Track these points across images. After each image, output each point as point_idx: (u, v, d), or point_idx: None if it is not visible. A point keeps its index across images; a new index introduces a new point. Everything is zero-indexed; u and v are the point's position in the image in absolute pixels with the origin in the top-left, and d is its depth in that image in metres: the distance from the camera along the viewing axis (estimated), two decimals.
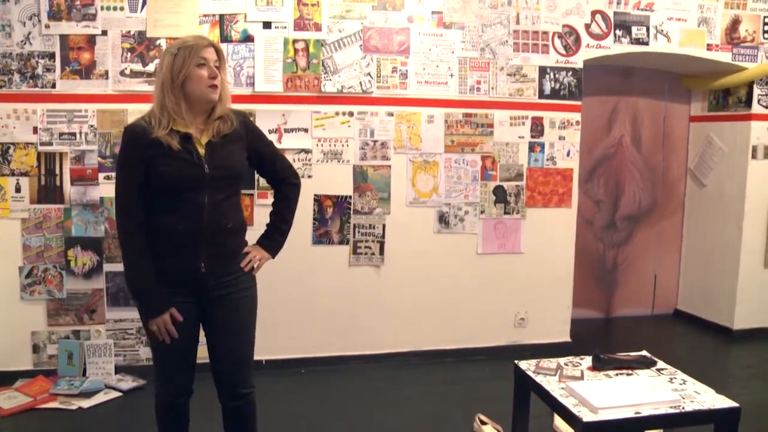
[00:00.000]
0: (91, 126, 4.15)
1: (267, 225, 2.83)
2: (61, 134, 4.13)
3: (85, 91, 4.14)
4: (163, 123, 2.42)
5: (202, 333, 2.67)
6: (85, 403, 3.88)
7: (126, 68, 4.16)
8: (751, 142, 5.23)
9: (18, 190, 4.14)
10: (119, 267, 4.25)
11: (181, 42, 2.49)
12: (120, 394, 4.05)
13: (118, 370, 4.27)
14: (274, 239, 2.79)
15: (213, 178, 2.46)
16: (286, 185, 2.82)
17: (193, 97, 2.46)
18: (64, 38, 4.09)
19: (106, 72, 4.14)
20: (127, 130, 2.48)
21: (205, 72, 2.45)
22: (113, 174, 4.09)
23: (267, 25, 4.31)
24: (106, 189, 4.19)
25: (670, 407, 2.49)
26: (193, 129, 2.49)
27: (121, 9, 4.13)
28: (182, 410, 2.70)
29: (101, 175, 4.19)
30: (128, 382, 4.15)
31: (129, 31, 4.15)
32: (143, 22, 4.16)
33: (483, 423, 3.58)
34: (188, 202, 2.45)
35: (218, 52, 2.52)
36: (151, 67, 4.16)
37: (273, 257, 2.78)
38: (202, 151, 2.48)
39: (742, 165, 5.30)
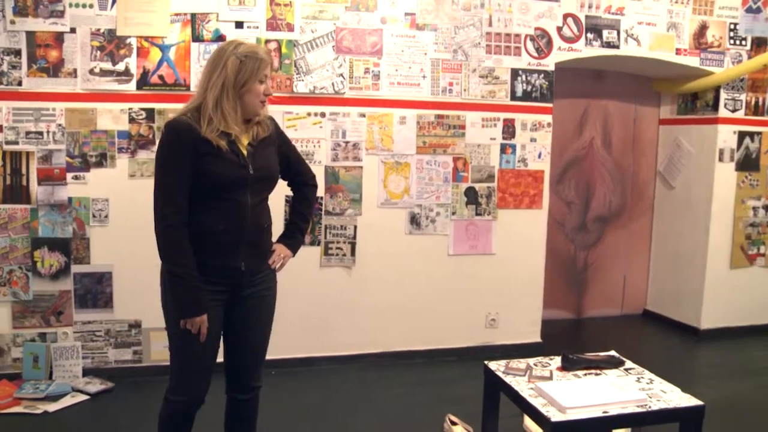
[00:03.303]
0: (59, 125, 4.09)
1: (287, 224, 2.92)
2: (27, 133, 4.07)
3: (52, 89, 4.07)
4: (214, 122, 2.42)
5: None
6: (51, 407, 3.81)
7: (95, 67, 4.10)
8: (718, 146, 5.32)
9: None
10: (87, 268, 4.20)
11: (250, 50, 2.49)
12: (87, 397, 3.99)
13: (86, 372, 4.21)
14: (296, 238, 2.87)
15: (255, 180, 2.52)
16: (306, 187, 2.90)
17: (245, 107, 2.51)
18: (30, 35, 4.01)
19: (75, 70, 4.08)
20: (173, 125, 2.43)
21: (263, 88, 2.51)
22: (82, 174, 4.12)
23: (239, 24, 4.28)
24: (74, 189, 4.14)
25: (637, 406, 2.53)
26: (237, 131, 2.51)
27: (91, 6, 4.07)
28: (191, 421, 2.65)
29: (69, 175, 4.13)
30: (96, 385, 4.09)
31: (99, 29, 4.09)
32: (113, 20, 4.11)
33: (453, 423, 3.59)
34: (232, 202, 2.48)
35: (272, 65, 2.60)
36: (121, 66, 4.12)
37: (294, 255, 2.84)
38: (245, 152, 2.52)
39: (709, 168, 5.39)
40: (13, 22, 3.98)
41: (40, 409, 3.79)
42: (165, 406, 2.60)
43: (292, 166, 2.82)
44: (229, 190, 2.46)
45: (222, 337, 2.65)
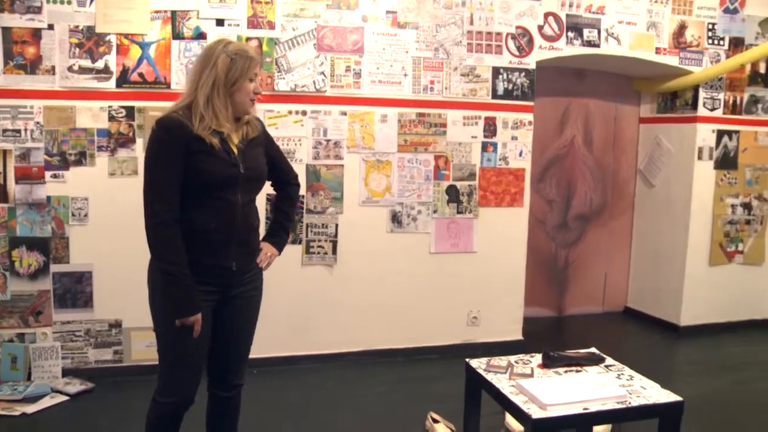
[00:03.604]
0: (38, 123, 4.05)
1: (272, 223, 2.93)
2: (4, 131, 4.02)
3: (30, 86, 4.03)
4: (206, 120, 2.42)
5: None
6: (30, 409, 3.77)
7: (74, 64, 4.06)
8: (697, 144, 5.37)
9: None
10: (66, 268, 4.17)
11: (240, 48, 2.51)
12: (67, 398, 3.95)
13: (66, 373, 4.18)
14: (281, 237, 2.89)
15: (246, 179, 2.52)
16: (290, 186, 2.92)
17: (235, 106, 2.51)
18: (6, 31, 3.96)
19: (53, 67, 4.04)
20: (164, 122, 2.41)
21: (253, 87, 2.53)
22: (61, 172, 4.08)
23: (220, 22, 4.26)
24: (53, 187, 4.10)
25: (617, 403, 2.54)
26: (228, 130, 2.52)
27: (69, 3, 4.03)
28: (179, 421, 2.63)
29: (48, 174, 4.09)
30: (76, 386, 4.06)
31: (77, 26, 4.05)
32: (92, 16, 4.06)
33: (435, 421, 3.60)
34: (223, 201, 2.48)
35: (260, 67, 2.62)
36: (100, 64, 4.08)
37: (280, 254, 2.87)
38: (236, 151, 2.52)
39: (689, 166, 5.43)
40: None
41: (18, 410, 3.73)
42: (153, 407, 2.58)
43: (277, 165, 2.82)
44: (220, 188, 2.46)
45: (212, 337, 2.64)
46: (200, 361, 2.59)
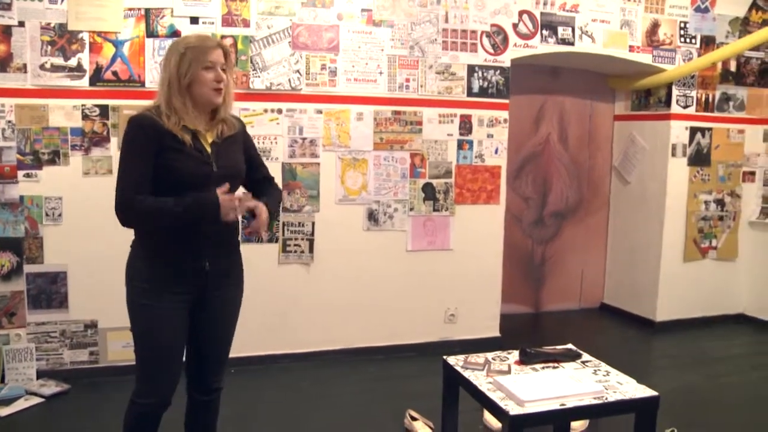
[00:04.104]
0: (9, 122, 4.00)
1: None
2: None
3: (1, 84, 3.97)
4: (172, 119, 2.40)
5: None
6: (4, 411, 3.72)
7: (46, 62, 4.02)
8: (671, 141, 5.43)
9: None
10: (40, 268, 4.12)
11: (189, 41, 2.47)
12: (42, 400, 3.90)
13: (41, 375, 4.13)
14: (273, 195, 2.76)
15: (219, 177, 2.45)
16: (269, 182, 2.84)
17: (197, 98, 2.46)
18: None
19: (25, 65, 3.99)
20: (136, 119, 2.41)
21: (212, 75, 2.44)
22: (34, 171, 4.03)
23: (194, 20, 4.24)
24: (26, 187, 4.05)
25: (594, 398, 2.55)
26: (200, 128, 2.48)
27: (40, 0, 3.98)
28: (157, 423, 2.59)
29: (21, 173, 4.04)
30: (51, 388, 4.01)
31: (49, 23, 4.00)
32: (64, 14, 4.02)
33: (414, 419, 3.61)
34: None
35: (226, 55, 2.52)
36: (73, 62, 4.04)
37: (274, 215, 2.81)
38: (209, 149, 2.49)
39: (663, 163, 5.49)
40: None
41: None
42: (131, 408, 2.55)
43: (254, 167, 2.76)
44: (192, 186, 2.41)
45: (189, 339, 2.62)
46: (177, 362, 2.55)
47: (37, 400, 3.90)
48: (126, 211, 2.40)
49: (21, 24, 3.97)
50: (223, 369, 2.76)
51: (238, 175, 2.62)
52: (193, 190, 2.41)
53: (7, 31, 3.95)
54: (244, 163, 2.66)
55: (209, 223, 2.43)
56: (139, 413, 2.55)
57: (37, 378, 4.11)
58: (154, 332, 2.46)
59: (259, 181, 2.81)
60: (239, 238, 2.73)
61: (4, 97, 3.98)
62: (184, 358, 2.64)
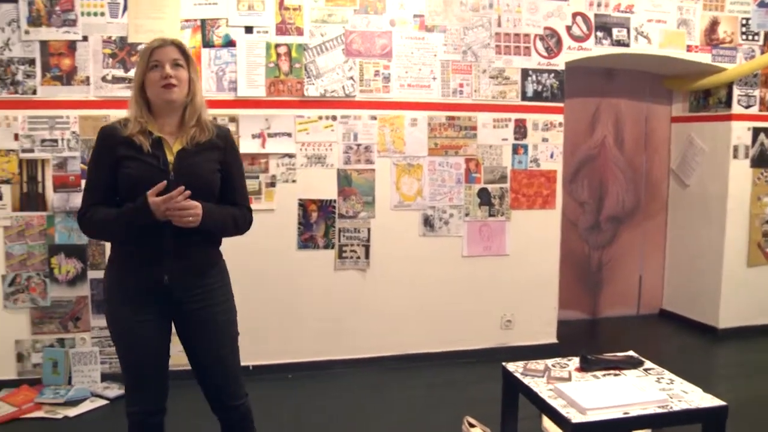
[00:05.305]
0: (74, 132, 4.12)
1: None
2: (42, 141, 4.10)
3: (66, 97, 4.11)
4: (130, 126, 2.39)
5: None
6: (71, 412, 3.84)
7: (108, 74, 4.13)
8: (732, 142, 5.28)
9: (0, 197, 4.09)
10: (103, 274, 4.21)
11: (142, 48, 2.49)
12: (106, 402, 4.01)
13: (104, 377, 4.23)
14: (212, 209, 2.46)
15: (178, 186, 2.28)
16: (240, 207, 2.62)
17: (153, 101, 2.43)
18: (44, 44, 4.05)
19: (88, 78, 4.12)
20: (101, 129, 2.45)
21: (158, 73, 2.38)
22: None
23: (249, 29, 4.30)
24: None
25: (658, 407, 2.50)
26: (165, 134, 2.43)
27: (102, 14, 4.11)
28: (158, 430, 2.58)
29: (84, 182, 4.14)
30: (114, 390, 4.11)
31: (110, 37, 4.12)
32: (124, 27, 4.14)
33: (471, 426, 3.58)
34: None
35: (183, 51, 2.45)
36: (132, 73, 4.14)
37: (203, 217, 2.37)
38: (171, 157, 2.41)
39: (724, 165, 5.34)
40: (27, 32, 4.03)
41: (61, 414, 3.82)
42: (127, 421, 2.56)
43: (229, 185, 2.56)
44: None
45: (188, 357, 2.58)
46: (154, 373, 2.50)
47: (101, 402, 4.01)
48: (81, 222, 2.45)
49: (85, 38, 4.10)
50: (235, 386, 2.62)
51: (205, 185, 2.45)
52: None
53: (72, 46, 4.09)
54: (217, 173, 2.51)
55: (166, 235, 2.36)
56: (130, 421, 2.54)
57: (101, 381, 4.22)
58: (125, 341, 2.45)
59: (225, 203, 2.58)
60: (218, 252, 2.62)
61: (69, 108, 4.11)
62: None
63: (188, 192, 2.29)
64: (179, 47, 2.45)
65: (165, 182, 2.29)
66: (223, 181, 2.53)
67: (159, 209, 2.27)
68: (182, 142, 2.45)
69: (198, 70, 2.55)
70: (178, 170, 2.39)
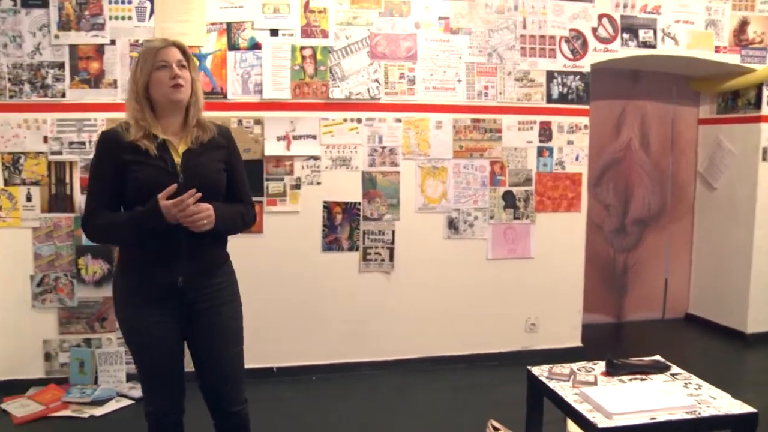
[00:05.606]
0: None
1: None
2: (71, 143, 4.15)
3: (94, 100, 4.15)
4: (134, 130, 2.36)
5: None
6: (97, 411, 3.89)
7: None
8: (762, 144, 5.20)
9: (29, 199, 4.15)
10: None
11: (142, 49, 2.47)
12: (132, 402, 4.05)
13: (130, 378, 4.26)
14: (223, 209, 2.49)
15: (188, 188, 2.30)
16: (245, 204, 2.66)
17: (159, 101, 2.42)
18: (73, 48, 4.11)
19: (115, 81, 4.16)
20: (102, 134, 2.45)
21: (166, 73, 2.38)
22: None
23: (274, 32, 4.33)
24: None
25: (686, 413, 2.47)
26: (169, 135, 2.44)
27: (129, 18, 4.15)
28: (177, 429, 2.60)
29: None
30: (139, 390, 4.08)
31: (137, 40, 4.16)
32: (151, 31, 4.18)
33: (495, 429, 3.56)
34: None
35: (184, 52, 2.46)
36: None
37: (217, 219, 2.41)
38: (178, 159, 2.42)
39: (753, 167, 5.27)
40: (57, 37, 4.09)
41: (87, 413, 3.87)
42: (146, 421, 2.58)
43: (233, 182, 2.59)
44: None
45: (192, 358, 2.57)
46: (168, 373, 2.51)
47: (127, 402, 4.06)
48: (85, 227, 2.44)
49: (112, 42, 4.15)
50: (236, 391, 2.61)
51: (213, 185, 2.47)
52: None
53: (100, 49, 4.14)
54: (223, 172, 2.54)
55: (179, 237, 2.36)
56: (148, 421, 2.56)
57: (127, 381, 4.26)
58: (141, 342, 2.46)
59: (231, 201, 2.61)
60: (226, 252, 2.63)
61: (96, 111, 4.16)
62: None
63: (199, 195, 2.29)
64: (180, 48, 2.46)
65: (176, 185, 2.30)
66: (228, 179, 2.56)
67: (170, 213, 2.27)
68: (187, 143, 2.46)
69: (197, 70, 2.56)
70: (186, 171, 2.40)
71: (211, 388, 2.58)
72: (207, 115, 4.12)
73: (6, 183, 4.14)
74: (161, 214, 2.27)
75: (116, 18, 4.14)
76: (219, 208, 2.42)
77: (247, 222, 2.66)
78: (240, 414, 2.62)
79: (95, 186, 2.43)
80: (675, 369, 2.96)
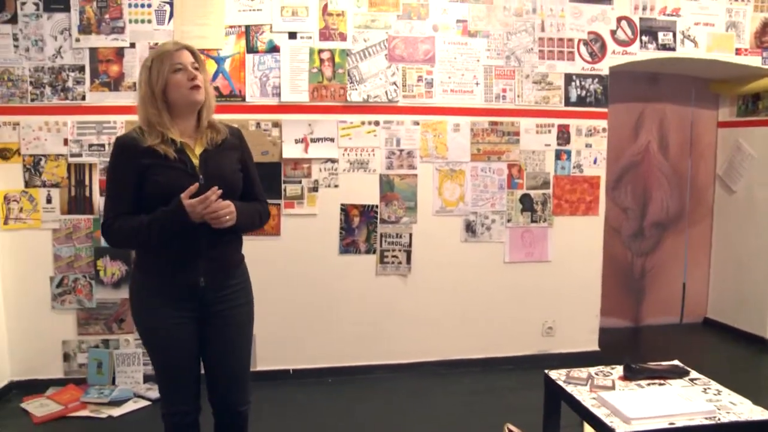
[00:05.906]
0: None
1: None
2: (90, 145, 4.19)
3: (113, 102, 4.19)
4: (152, 135, 2.38)
5: None
6: (115, 412, 3.93)
7: None
8: None
9: (49, 201, 4.19)
10: None
11: (152, 54, 2.48)
12: (149, 402, 4.08)
13: (147, 379, 4.30)
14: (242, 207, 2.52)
15: (208, 188, 2.33)
16: (261, 202, 2.71)
17: (177, 104, 2.43)
18: (93, 51, 4.15)
19: (134, 84, 4.18)
20: (119, 140, 2.46)
21: (183, 75, 2.41)
22: None
23: (292, 35, 4.34)
24: None
25: (705, 418, 2.45)
26: (185, 138, 2.46)
27: (149, 22, 4.18)
28: (193, 429, 2.62)
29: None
30: (156, 392, 4.14)
31: (156, 43, 4.18)
32: (170, 34, 4.20)
33: None
34: None
35: (194, 54, 2.49)
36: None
37: (237, 215, 2.45)
38: (196, 161, 2.44)
39: None
40: (78, 40, 4.13)
41: (105, 413, 3.90)
42: (163, 422, 2.60)
43: (247, 181, 2.63)
44: None
45: (202, 358, 2.59)
46: (187, 375, 2.53)
47: (144, 402, 4.09)
48: (106, 233, 2.44)
49: (132, 45, 4.19)
50: (243, 391, 2.65)
51: (231, 185, 2.49)
52: None
53: (120, 52, 4.18)
54: (239, 172, 2.58)
55: (201, 237, 2.40)
56: (165, 423, 2.58)
57: (144, 382, 4.29)
58: (162, 344, 2.48)
59: (246, 200, 2.64)
60: (242, 254, 2.66)
61: (116, 114, 4.20)
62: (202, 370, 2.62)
63: (221, 191, 2.33)
64: (191, 51, 2.49)
65: (197, 184, 2.33)
66: (243, 178, 2.60)
67: (195, 211, 2.30)
68: (202, 144, 2.49)
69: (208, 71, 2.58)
70: (205, 172, 2.43)
71: (222, 388, 2.62)
72: (226, 118, 4.21)
73: (27, 185, 4.19)
74: (185, 212, 2.30)
75: (136, 21, 4.17)
76: (238, 206, 2.46)
77: (263, 219, 2.71)
78: (243, 413, 2.67)
79: (114, 191, 2.44)
80: (694, 374, 2.94)
